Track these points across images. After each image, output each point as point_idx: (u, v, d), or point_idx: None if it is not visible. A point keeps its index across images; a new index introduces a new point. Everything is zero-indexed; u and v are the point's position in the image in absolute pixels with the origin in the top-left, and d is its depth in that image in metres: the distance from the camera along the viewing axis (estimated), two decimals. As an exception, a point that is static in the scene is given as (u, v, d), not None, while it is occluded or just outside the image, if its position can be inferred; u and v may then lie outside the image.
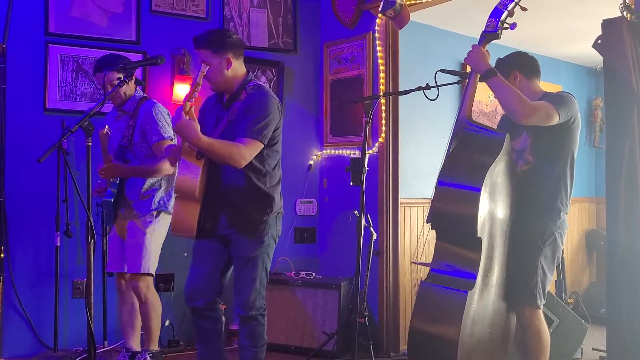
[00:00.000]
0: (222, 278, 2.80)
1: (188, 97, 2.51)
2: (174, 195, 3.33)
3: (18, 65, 3.69)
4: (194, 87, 2.53)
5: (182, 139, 2.59)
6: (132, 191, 3.27)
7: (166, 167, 3.21)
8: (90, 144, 2.39)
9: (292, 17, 4.49)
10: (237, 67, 2.73)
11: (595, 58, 5.37)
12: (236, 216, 2.70)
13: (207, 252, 2.77)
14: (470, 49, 2.81)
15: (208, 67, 2.61)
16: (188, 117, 2.49)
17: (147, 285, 3.26)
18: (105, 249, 3.62)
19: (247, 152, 2.58)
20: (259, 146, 2.61)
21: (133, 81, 3.31)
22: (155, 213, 3.28)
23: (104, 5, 3.94)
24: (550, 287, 2.99)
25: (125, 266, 3.28)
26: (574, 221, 5.44)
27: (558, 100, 2.76)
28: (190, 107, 2.51)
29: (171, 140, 3.22)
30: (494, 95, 2.77)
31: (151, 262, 3.25)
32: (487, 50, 2.83)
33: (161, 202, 3.30)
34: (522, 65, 2.97)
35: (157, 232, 3.30)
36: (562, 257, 4.11)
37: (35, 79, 3.75)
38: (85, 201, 2.37)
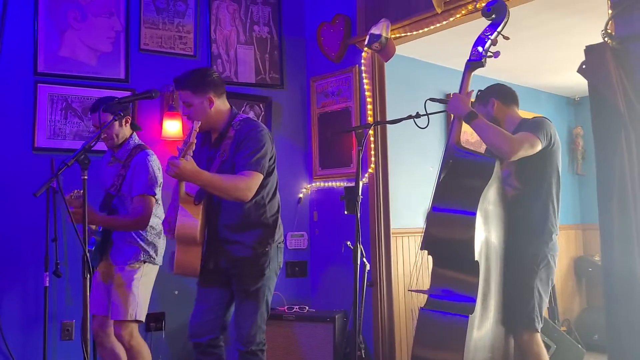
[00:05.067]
0: (226, 314, 2.77)
1: (183, 154, 2.40)
2: (162, 247, 3.24)
3: (7, 105, 3.68)
4: (188, 145, 2.42)
5: (179, 185, 2.55)
6: (119, 236, 3.14)
7: (143, 223, 3.04)
8: (86, 177, 2.34)
9: (279, 53, 4.56)
10: (220, 105, 2.71)
11: (575, 88, 5.58)
12: (237, 251, 2.68)
13: (211, 287, 2.75)
14: (452, 94, 2.92)
15: (200, 123, 2.51)
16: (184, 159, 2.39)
17: (130, 333, 3.09)
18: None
19: (251, 183, 2.55)
20: (260, 177, 2.60)
21: (129, 125, 3.22)
22: (142, 262, 3.14)
23: (93, 44, 3.96)
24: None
25: (109, 311, 3.12)
26: (562, 249, 5.41)
27: (535, 127, 2.85)
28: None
29: (154, 197, 3.08)
30: (478, 136, 2.83)
31: (139, 308, 3.10)
32: (470, 91, 2.92)
33: (147, 252, 3.15)
34: (500, 93, 3.13)
35: (144, 279, 3.17)
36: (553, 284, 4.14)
37: (24, 118, 3.73)
38: (81, 235, 2.32)
